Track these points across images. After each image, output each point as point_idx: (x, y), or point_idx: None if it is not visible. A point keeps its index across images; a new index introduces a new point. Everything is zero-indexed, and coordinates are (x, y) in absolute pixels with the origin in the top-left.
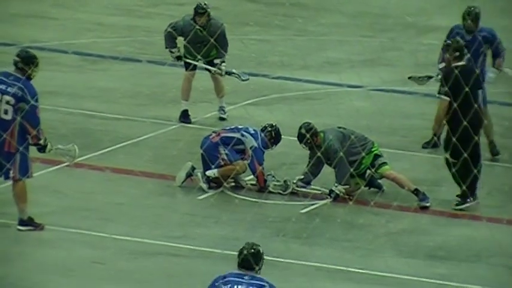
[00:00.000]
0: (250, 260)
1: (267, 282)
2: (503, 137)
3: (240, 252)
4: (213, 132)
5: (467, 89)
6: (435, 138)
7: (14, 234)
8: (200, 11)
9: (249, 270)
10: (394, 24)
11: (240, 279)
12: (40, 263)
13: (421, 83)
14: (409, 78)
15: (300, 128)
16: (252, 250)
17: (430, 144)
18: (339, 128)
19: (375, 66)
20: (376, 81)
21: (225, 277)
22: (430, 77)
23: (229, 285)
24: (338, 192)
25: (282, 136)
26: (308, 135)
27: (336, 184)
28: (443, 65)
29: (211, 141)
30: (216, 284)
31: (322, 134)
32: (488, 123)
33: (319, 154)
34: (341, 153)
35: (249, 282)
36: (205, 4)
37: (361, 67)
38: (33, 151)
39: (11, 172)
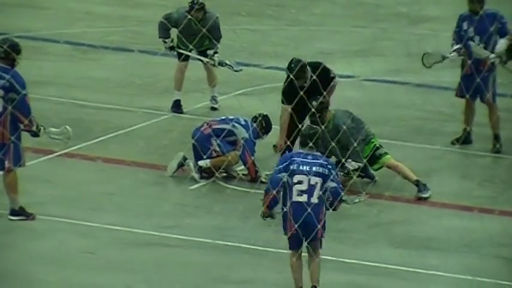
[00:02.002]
0: (312, 139)
1: (327, 161)
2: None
3: (303, 133)
4: (205, 123)
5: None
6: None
7: (5, 224)
8: (197, 7)
9: (311, 149)
10: (386, 14)
11: (305, 159)
12: (31, 252)
13: (436, 61)
14: (424, 61)
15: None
16: (313, 131)
17: (460, 141)
18: (345, 110)
19: (367, 56)
20: (368, 72)
21: (291, 156)
22: (444, 57)
23: (295, 165)
24: (351, 167)
25: (275, 126)
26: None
27: (350, 160)
28: (455, 48)
29: (203, 132)
30: (286, 163)
31: (332, 112)
32: (493, 118)
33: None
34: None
35: (312, 161)
36: None
37: (353, 57)
38: (25, 140)
39: (6, 162)
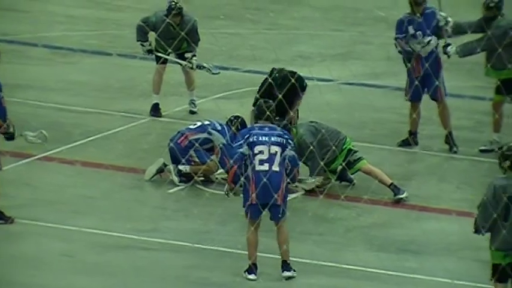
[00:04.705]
0: (268, 112)
1: (283, 131)
2: (474, 131)
3: (259, 106)
4: (179, 132)
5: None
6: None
7: None
8: (174, 12)
9: (267, 122)
10: (364, 18)
11: (262, 131)
12: (10, 256)
13: None
14: None
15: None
16: (269, 104)
17: (410, 142)
18: (311, 122)
19: (346, 60)
20: (347, 75)
21: (250, 130)
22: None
23: (255, 137)
24: (306, 186)
25: None
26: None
27: (308, 177)
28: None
29: (181, 145)
30: (246, 136)
31: (294, 130)
32: (446, 115)
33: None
34: (312, 147)
35: (270, 132)
36: (177, 3)
37: (331, 61)
38: (3, 144)
39: None
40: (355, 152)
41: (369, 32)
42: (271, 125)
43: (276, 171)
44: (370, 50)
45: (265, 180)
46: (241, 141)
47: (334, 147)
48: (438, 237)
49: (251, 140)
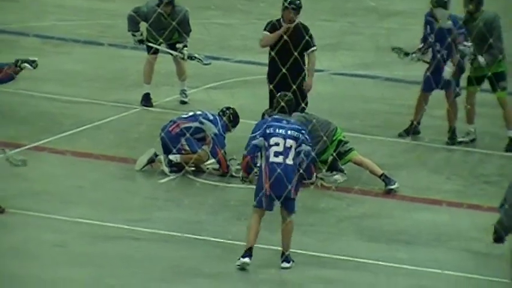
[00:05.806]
0: (286, 106)
1: (300, 126)
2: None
3: (277, 100)
4: (172, 121)
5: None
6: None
7: None
8: (166, 1)
9: (284, 115)
10: (355, 8)
11: (280, 124)
12: (0, 246)
13: (400, 56)
14: (393, 49)
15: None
16: (287, 98)
17: (411, 132)
18: (301, 112)
19: (336, 50)
20: (337, 66)
21: (267, 121)
22: (407, 54)
23: (272, 129)
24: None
25: (245, 120)
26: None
27: (332, 174)
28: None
29: (172, 133)
30: (263, 126)
31: None
32: (451, 112)
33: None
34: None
35: (288, 126)
36: None
37: (322, 51)
38: None
39: None
40: (346, 142)
41: (359, 23)
42: (289, 118)
43: (290, 165)
44: (360, 40)
45: (279, 171)
46: (258, 132)
47: (324, 138)
48: (428, 227)
49: (268, 131)
